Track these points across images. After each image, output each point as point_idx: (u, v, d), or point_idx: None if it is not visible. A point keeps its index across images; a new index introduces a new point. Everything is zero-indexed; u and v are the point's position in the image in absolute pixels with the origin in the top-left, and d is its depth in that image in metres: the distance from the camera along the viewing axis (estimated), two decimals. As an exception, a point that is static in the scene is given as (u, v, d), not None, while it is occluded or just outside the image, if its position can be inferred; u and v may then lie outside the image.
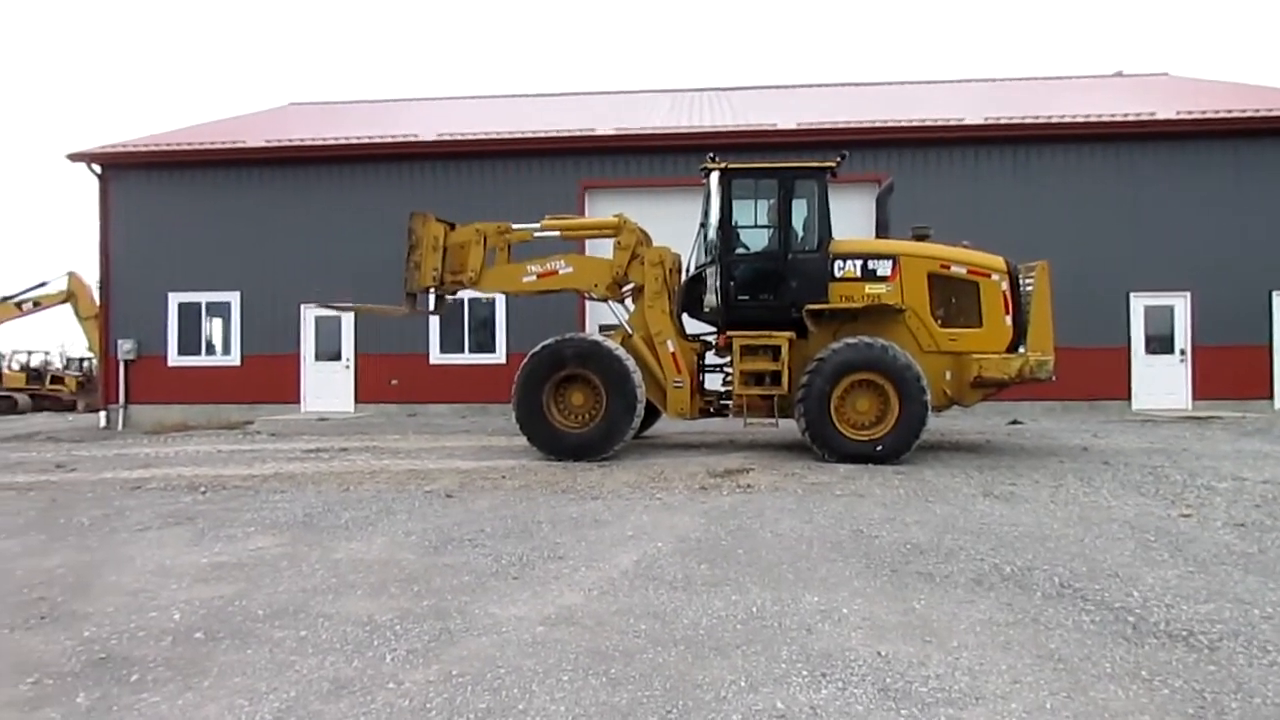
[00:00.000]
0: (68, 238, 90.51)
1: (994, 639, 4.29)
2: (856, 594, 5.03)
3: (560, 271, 11.89)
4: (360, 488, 8.86)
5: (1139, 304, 17.73)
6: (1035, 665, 3.94)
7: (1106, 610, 4.70)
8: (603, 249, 12.62)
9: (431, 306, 12.61)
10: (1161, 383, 17.63)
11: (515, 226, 12.04)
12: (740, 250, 11.22)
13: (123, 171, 19.69)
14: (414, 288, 11.93)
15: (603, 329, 15.21)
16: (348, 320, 18.96)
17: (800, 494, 8.22)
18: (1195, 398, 17.55)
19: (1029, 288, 10.90)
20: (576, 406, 10.97)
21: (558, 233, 12.07)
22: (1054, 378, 10.77)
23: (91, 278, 20.37)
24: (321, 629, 4.53)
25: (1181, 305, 17.66)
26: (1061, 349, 11.21)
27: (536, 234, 11.98)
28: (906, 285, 10.79)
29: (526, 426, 10.97)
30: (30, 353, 37.05)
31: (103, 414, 19.60)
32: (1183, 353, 17.67)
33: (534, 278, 11.92)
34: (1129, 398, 17.64)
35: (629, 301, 11.97)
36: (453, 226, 12.00)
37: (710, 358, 11.86)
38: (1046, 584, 5.18)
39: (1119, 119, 17.98)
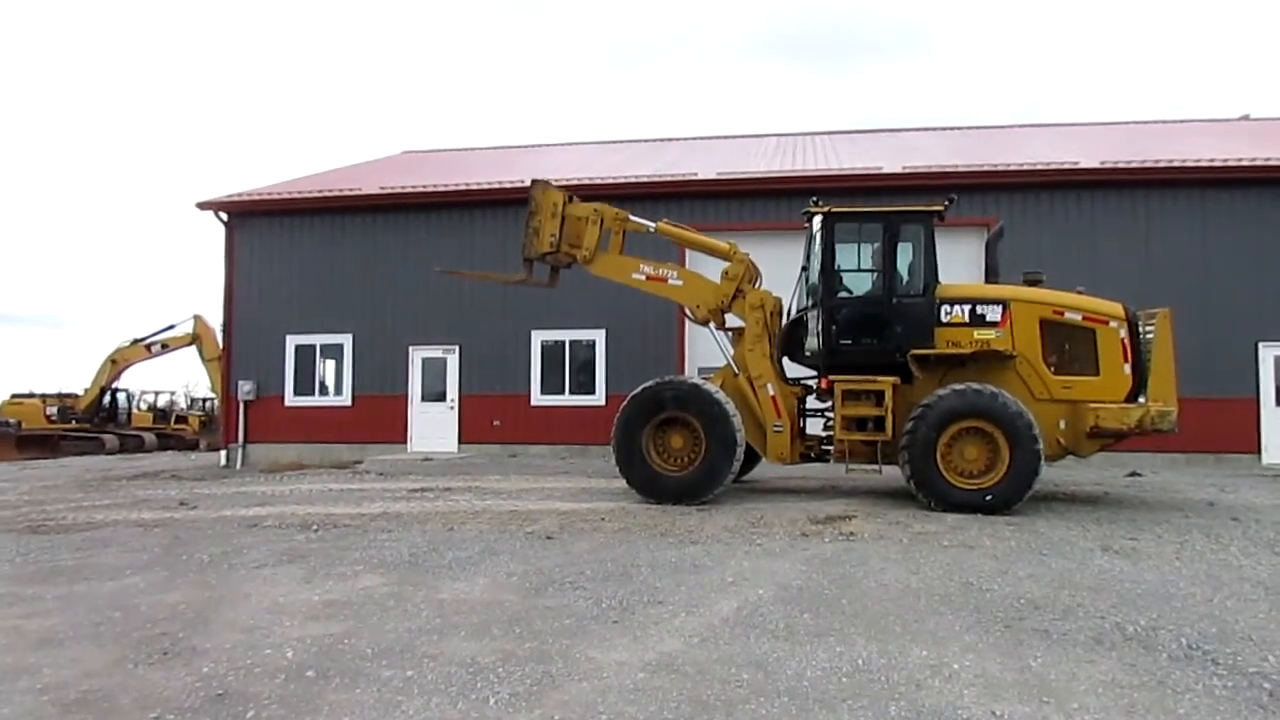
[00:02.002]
0: (196, 282, 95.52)
1: (1117, 702, 4.07)
2: (967, 649, 4.85)
3: (669, 280, 11.99)
4: (463, 528, 9.00)
5: (1269, 354, 16.80)
6: (1163, 733, 3.72)
7: (1239, 675, 4.42)
8: (701, 266, 12.59)
9: (546, 279, 12.72)
10: (1294, 435, 16.62)
11: (632, 218, 12.13)
12: (843, 294, 11.10)
13: (247, 219, 20.71)
14: (531, 253, 12.14)
15: (702, 371, 15.21)
16: (453, 361, 19.43)
17: (906, 543, 8.00)
18: (1332, 452, 16.47)
19: (1149, 336, 10.46)
20: (676, 449, 10.94)
21: (670, 237, 12.21)
22: (1176, 429, 10.27)
23: (216, 321, 21.38)
24: (427, 669, 4.59)
25: (1316, 355, 16.68)
26: (1185, 399, 10.68)
27: (651, 229, 12.04)
28: (1017, 331, 10.48)
29: (625, 469, 11.00)
30: (157, 393, 39.14)
31: (223, 453, 20.46)
32: (1318, 404, 16.65)
33: (643, 277, 12.03)
34: (1258, 451, 16.67)
35: (729, 330, 11.91)
36: (571, 198, 12.18)
37: (811, 402, 11.69)
38: (1173, 645, 4.91)
39: (1246, 164, 17.23)
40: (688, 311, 12.26)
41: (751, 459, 12.01)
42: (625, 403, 11.06)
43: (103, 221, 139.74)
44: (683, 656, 4.76)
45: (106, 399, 30.74)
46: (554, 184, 12.25)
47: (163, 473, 18.70)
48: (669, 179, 19.16)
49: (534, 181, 12.23)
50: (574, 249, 12.05)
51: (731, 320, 11.81)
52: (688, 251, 15.10)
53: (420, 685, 4.37)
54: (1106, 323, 10.50)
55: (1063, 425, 10.44)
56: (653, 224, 12.05)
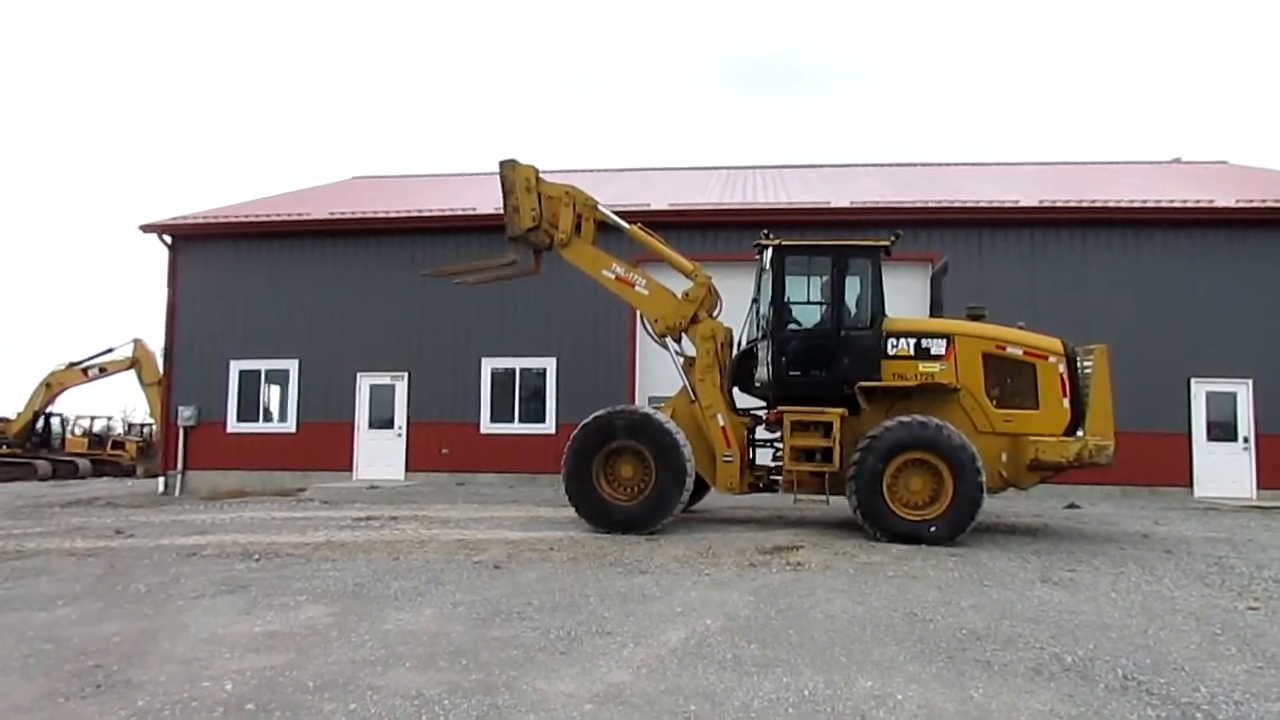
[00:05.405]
0: (137, 305, 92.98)
1: (1056, 732, 4.15)
2: (911, 680, 4.91)
3: (636, 286, 11.87)
4: (409, 557, 8.89)
5: (1200, 390, 17.34)
6: (1100, 761, 3.79)
7: (1173, 705, 4.53)
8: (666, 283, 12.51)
9: (531, 265, 12.41)
10: (1224, 470, 17.13)
11: (601, 207, 12.01)
12: (793, 326, 11.24)
13: (191, 242, 20.37)
14: (515, 231, 11.85)
15: (652, 401, 15.24)
16: (401, 388, 19.23)
17: (852, 574, 8.08)
18: (1260, 486, 16.99)
19: (1088, 371, 10.74)
20: (626, 479, 10.93)
21: (640, 242, 12.09)
22: (1113, 462, 10.54)
23: (157, 345, 20.92)
24: (371, 702, 4.52)
25: (1244, 392, 17.26)
26: (1121, 433, 10.96)
27: (624, 228, 11.93)
28: (961, 365, 10.69)
29: (575, 498, 10.96)
30: (93, 418, 38.12)
31: (161, 479, 19.97)
32: (1246, 440, 17.22)
33: (613, 276, 11.90)
34: (1191, 485, 17.14)
35: (684, 344, 11.89)
36: (539, 176, 11.91)
37: (760, 432, 11.78)
38: (1109, 676, 5.02)
39: (1178, 205, 17.91)
40: (646, 324, 12.21)
41: (701, 488, 12.04)
42: (576, 431, 11.04)
43: (41, 241, 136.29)
44: (630, 687, 4.75)
45: (40, 423, 29.95)
46: (521, 161, 11.94)
47: (98, 500, 18.20)
48: (622, 209, 19.23)
49: (502, 161, 11.95)
50: (553, 228, 11.86)
51: (684, 347, 11.83)
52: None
53: (364, 718, 4.31)
54: (1046, 358, 10.75)
55: (1004, 458, 10.64)
56: (625, 224, 12.00)
